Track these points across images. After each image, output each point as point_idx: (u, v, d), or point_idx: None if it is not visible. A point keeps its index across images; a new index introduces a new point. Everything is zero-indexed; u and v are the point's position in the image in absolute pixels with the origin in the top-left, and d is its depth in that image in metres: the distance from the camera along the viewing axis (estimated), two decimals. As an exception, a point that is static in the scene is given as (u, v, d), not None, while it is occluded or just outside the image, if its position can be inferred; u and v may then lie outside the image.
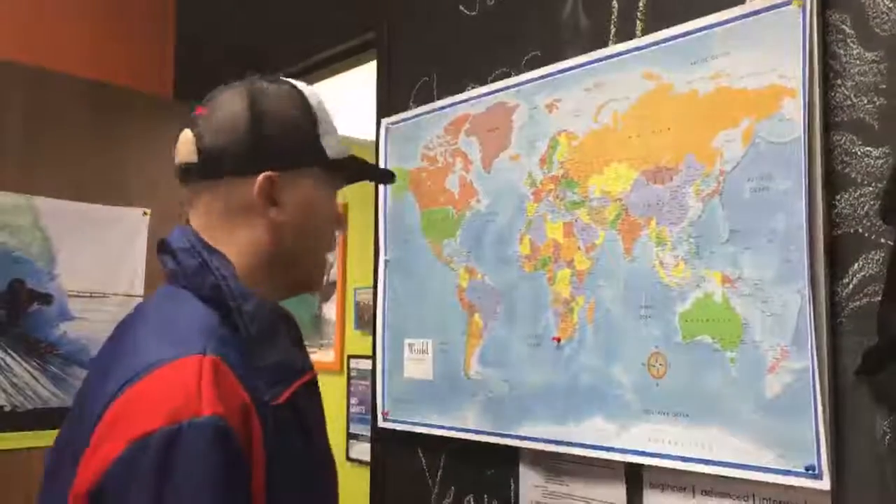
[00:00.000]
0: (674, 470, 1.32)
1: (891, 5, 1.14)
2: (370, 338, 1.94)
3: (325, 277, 1.18)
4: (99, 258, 2.42)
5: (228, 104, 1.01)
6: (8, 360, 2.23)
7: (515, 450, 1.59)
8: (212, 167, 1.00)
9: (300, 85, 1.06)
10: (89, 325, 2.37)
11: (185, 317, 0.95)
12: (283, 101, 1.02)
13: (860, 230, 1.15)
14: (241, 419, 0.85)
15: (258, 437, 0.86)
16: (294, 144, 1.02)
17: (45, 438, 2.24)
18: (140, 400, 0.86)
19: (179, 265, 0.99)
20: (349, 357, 4.24)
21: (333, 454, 1.10)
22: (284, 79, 1.06)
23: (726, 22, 1.30)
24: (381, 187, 1.92)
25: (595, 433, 1.43)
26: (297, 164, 1.02)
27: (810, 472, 1.15)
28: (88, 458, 0.84)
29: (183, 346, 0.89)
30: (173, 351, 0.89)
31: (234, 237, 1.01)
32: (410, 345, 1.82)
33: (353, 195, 4.08)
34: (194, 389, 0.84)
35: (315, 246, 1.08)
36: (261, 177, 0.99)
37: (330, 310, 4.41)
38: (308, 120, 1.02)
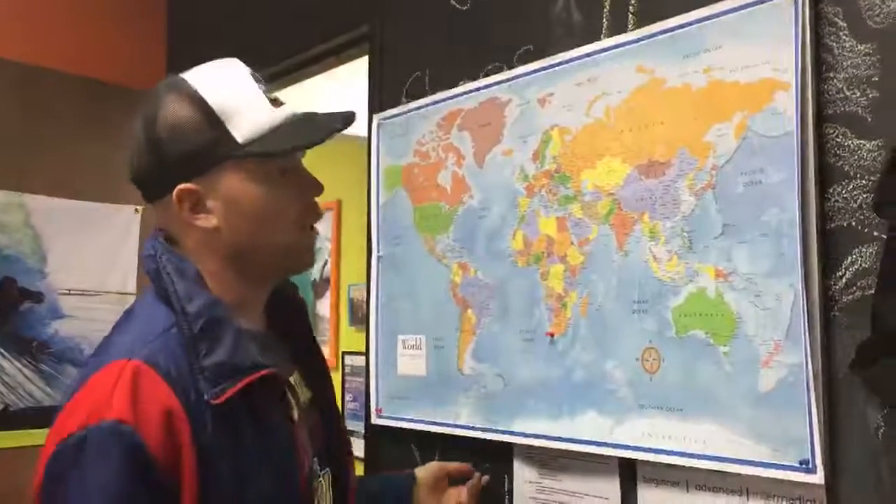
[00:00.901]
0: (668, 464, 1.32)
1: (883, -3, 1.14)
2: (364, 334, 1.94)
3: (313, 257, 1.14)
4: (90, 256, 2.41)
5: (133, 135, 1.05)
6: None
7: (510, 445, 1.59)
8: (143, 194, 1.07)
9: (195, 78, 1.04)
10: (81, 324, 2.37)
11: (139, 320, 1.02)
12: (175, 112, 1.01)
13: (853, 223, 1.15)
14: (158, 423, 0.89)
15: (186, 437, 0.90)
16: (195, 149, 1.00)
17: (38, 437, 2.23)
18: (76, 402, 0.93)
19: (146, 271, 1.04)
20: (343, 353, 4.24)
21: (308, 449, 1.09)
22: (181, 79, 1.04)
23: (719, 15, 1.30)
24: (373, 184, 1.91)
25: (589, 428, 1.42)
26: (205, 168, 1.01)
27: (804, 465, 1.15)
28: (42, 453, 0.92)
29: (116, 351, 0.96)
30: (109, 356, 0.96)
31: (187, 246, 1.05)
32: (404, 341, 1.81)
33: (346, 192, 4.09)
34: (106, 395, 0.90)
35: (269, 233, 1.05)
36: (173, 194, 1.01)
37: (324, 306, 4.41)
38: (205, 118, 1.00)
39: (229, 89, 1.03)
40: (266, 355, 1.02)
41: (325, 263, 4.44)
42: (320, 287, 4.44)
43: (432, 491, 1.52)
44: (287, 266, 1.12)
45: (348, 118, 1.08)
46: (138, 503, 0.89)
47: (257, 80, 1.06)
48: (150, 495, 0.89)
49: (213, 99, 1.01)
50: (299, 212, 1.08)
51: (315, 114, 1.08)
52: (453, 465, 1.58)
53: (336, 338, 4.33)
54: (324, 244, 4.44)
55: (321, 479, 1.14)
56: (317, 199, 1.12)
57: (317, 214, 1.11)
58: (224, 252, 1.04)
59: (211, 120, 1.00)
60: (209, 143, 1.00)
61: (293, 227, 1.07)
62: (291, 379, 1.13)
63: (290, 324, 1.20)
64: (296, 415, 1.08)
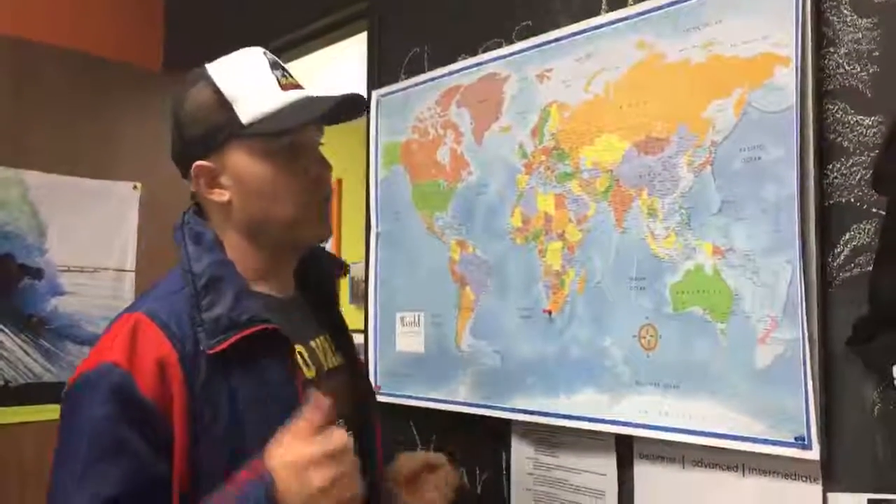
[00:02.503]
0: (664, 441, 1.32)
1: (885, -29, 1.13)
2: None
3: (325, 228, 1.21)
4: (89, 232, 2.40)
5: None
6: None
7: (507, 422, 1.59)
8: (181, 171, 1.17)
9: (214, 67, 1.14)
10: (81, 300, 2.36)
11: (161, 283, 1.13)
12: (194, 96, 1.12)
13: (852, 200, 1.14)
14: (153, 369, 0.99)
15: (178, 384, 0.99)
16: (207, 129, 1.11)
17: (38, 413, 2.25)
18: (91, 351, 1.05)
19: (175, 241, 1.15)
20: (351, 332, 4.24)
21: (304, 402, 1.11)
22: (204, 68, 1.15)
23: (719, -11, 1.28)
24: (371, 161, 1.91)
25: (586, 405, 1.43)
26: (213, 146, 1.11)
27: (800, 442, 1.15)
28: None
29: (132, 307, 1.08)
30: (126, 310, 1.08)
31: (211, 218, 1.16)
32: (402, 318, 1.81)
33: (347, 171, 4.07)
34: (109, 343, 1.02)
35: (275, 207, 1.12)
36: (191, 170, 1.12)
37: (325, 285, 4.40)
38: (215, 100, 1.10)
39: (240, 76, 1.12)
40: (275, 315, 1.09)
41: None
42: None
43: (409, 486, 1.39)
44: (297, 238, 1.16)
45: (351, 100, 1.14)
46: (123, 437, 0.96)
47: (275, 67, 1.14)
48: (139, 432, 0.97)
49: (224, 85, 1.11)
50: (300, 189, 1.13)
51: (324, 97, 1.13)
52: (420, 461, 1.39)
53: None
54: (324, 223, 4.43)
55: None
56: (328, 179, 1.19)
57: (321, 191, 1.17)
58: (239, 224, 1.13)
59: (220, 103, 1.10)
60: (219, 124, 1.10)
61: (298, 202, 1.13)
62: (314, 343, 1.19)
63: (323, 294, 1.28)
64: (309, 374, 1.13)
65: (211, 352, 1.02)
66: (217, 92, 1.10)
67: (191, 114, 1.12)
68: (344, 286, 4.33)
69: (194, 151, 1.12)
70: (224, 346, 1.03)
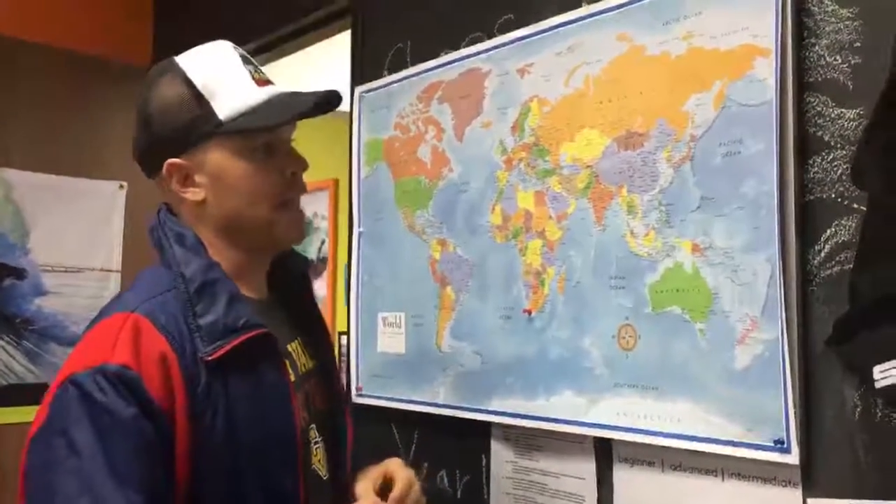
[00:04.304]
0: (643, 444, 1.28)
1: (867, -41, 1.09)
2: (352, 313, 1.91)
3: (302, 231, 1.18)
4: (74, 232, 2.38)
5: (134, 115, 1.14)
6: (-19, 335, 2.21)
7: (487, 424, 1.56)
8: (143, 170, 1.14)
9: (185, 60, 1.10)
10: (65, 300, 2.34)
11: (145, 281, 1.09)
12: (164, 91, 1.08)
13: (833, 195, 1.11)
14: (157, 370, 0.96)
15: (180, 387, 0.97)
16: (181, 126, 1.07)
17: (20, 415, 2.22)
18: (81, 348, 1.01)
19: (152, 242, 1.13)
20: (339, 334, 4.21)
21: (303, 413, 1.12)
22: (172, 60, 1.11)
23: (699, -20, 1.25)
24: (354, 158, 1.88)
25: (565, 407, 1.39)
26: (190, 144, 1.07)
27: (779, 445, 1.11)
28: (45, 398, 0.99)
29: (122, 305, 1.03)
30: (114, 309, 1.03)
31: (183, 217, 1.12)
32: (384, 318, 1.78)
33: (342, 171, 4.04)
34: (110, 343, 0.97)
35: (250, 207, 1.09)
36: (163, 168, 1.08)
37: (321, 286, 4.38)
38: (191, 97, 1.06)
39: (215, 70, 1.09)
40: (262, 319, 1.07)
41: (323, 243, 4.41)
42: (318, 267, 4.41)
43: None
44: (273, 239, 1.14)
45: (328, 97, 1.11)
46: (151, 438, 0.94)
47: (246, 62, 1.12)
48: (158, 433, 0.95)
49: (199, 79, 1.07)
50: (279, 188, 1.11)
51: (299, 93, 1.11)
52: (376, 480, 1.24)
53: (333, 318, 4.30)
54: (321, 224, 4.40)
55: (319, 443, 1.16)
56: (305, 176, 1.16)
57: (297, 190, 1.14)
58: (214, 223, 1.11)
59: (196, 98, 1.06)
60: (194, 120, 1.06)
61: (273, 203, 1.10)
62: (290, 346, 1.17)
63: (294, 295, 1.25)
64: (292, 378, 1.11)
65: (209, 359, 1.00)
66: (191, 86, 1.06)
67: (161, 109, 1.08)
68: (340, 289, 4.30)
69: (165, 148, 1.08)
70: (221, 353, 1.01)
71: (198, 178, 1.08)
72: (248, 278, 1.14)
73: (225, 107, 1.06)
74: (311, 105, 1.08)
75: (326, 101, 1.11)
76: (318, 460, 1.16)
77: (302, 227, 1.17)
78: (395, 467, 1.21)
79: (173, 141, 1.07)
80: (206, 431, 0.98)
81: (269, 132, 1.09)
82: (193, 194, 1.09)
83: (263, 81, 1.11)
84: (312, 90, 1.12)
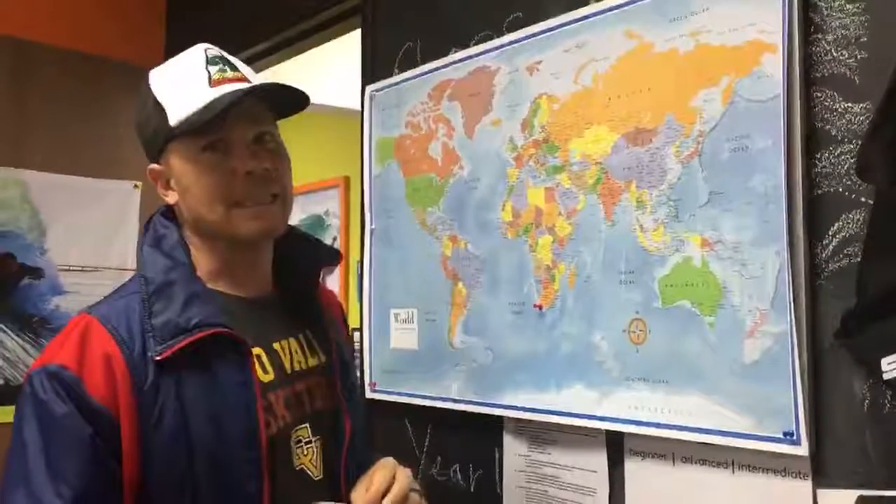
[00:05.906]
0: (654, 437, 1.30)
1: (873, -46, 1.10)
2: (363, 309, 1.92)
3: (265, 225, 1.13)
4: (90, 232, 2.41)
5: None
6: (0, 334, 2.23)
7: (500, 419, 1.57)
8: None
9: (154, 71, 1.16)
10: (82, 299, 2.36)
11: (122, 284, 1.14)
12: (138, 103, 1.16)
13: (840, 189, 1.12)
14: (101, 371, 0.99)
15: (125, 387, 1.00)
16: (150, 135, 1.13)
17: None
18: (49, 342, 1.08)
19: None
20: (352, 330, 4.24)
21: (283, 412, 1.12)
22: (148, 72, 1.16)
23: (706, -24, 1.26)
24: (366, 156, 1.89)
25: (576, 401, 1.41)
26: (154, 150, 1.13)
27: (788, 437, 1.12)
28: None
29: (89, 308, 1.08)
30: (82, 311, 1.08)
31: (178, 219, 1.17)
32: (396, 314, 1.80)
33: (354, 168, 4.07)
34: (59, 343, 1.03)
35: (207, 207, 1.10)
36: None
37: (334, 283, 4.40)
38: (153, 104, 1.11)
39: (174, 76, 1.13)
40: (231, 318, 1.07)
41: (335, 240, 4.43)
42: (330, 264, 4.43)
43: None
44: (235, 238, 1.12)
45: (264, 87, 1.10)
46: (84, 435, 0.98)
47: (213, 63, 1.12)
48: (95, 432, 0.98)
49: (158, 88, 1.12)
50: (229, 188, 1.09)
51: (244, 87, 1.08)
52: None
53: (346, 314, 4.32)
54: (332, 222, 4.43)
55: (312, 443, 1.15)
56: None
57: (246, 191, 1.10)
58: (189, 224, 1.15)
59: (156, 107, 1.11)
60: (156, 129, 1.11)
61: (226, 204, 1.09)
62: (278, 345, 1.16)
63: (302, 291, 1.25)
64: (266, 378, 1.11)
65: (158, 358, 1.02)
66: (152, 96, 1.12)
67: (136, 121, 1.16)
68: (353, 285, 4.32)
69: (149, 155, 1.16)
70: (168, 353, 1.02)
71: (172, 182, 1.13)
72: (233, 276, 1.15)
73: (175, 112, 1.09)
74: (228, 103, 1.04)
75: (287, 96, 1.12)
76: (310, 460, 1.15)
77: (267, 216, 1.12)
78: (388, 468, 1.13)
79: (151, 148, 1.14)
80: (154, 430, 1.00)
81: (212, 132, 1.07)
82: (170, 197, 1.14)
83: (228, 80, 1.10)
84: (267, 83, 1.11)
